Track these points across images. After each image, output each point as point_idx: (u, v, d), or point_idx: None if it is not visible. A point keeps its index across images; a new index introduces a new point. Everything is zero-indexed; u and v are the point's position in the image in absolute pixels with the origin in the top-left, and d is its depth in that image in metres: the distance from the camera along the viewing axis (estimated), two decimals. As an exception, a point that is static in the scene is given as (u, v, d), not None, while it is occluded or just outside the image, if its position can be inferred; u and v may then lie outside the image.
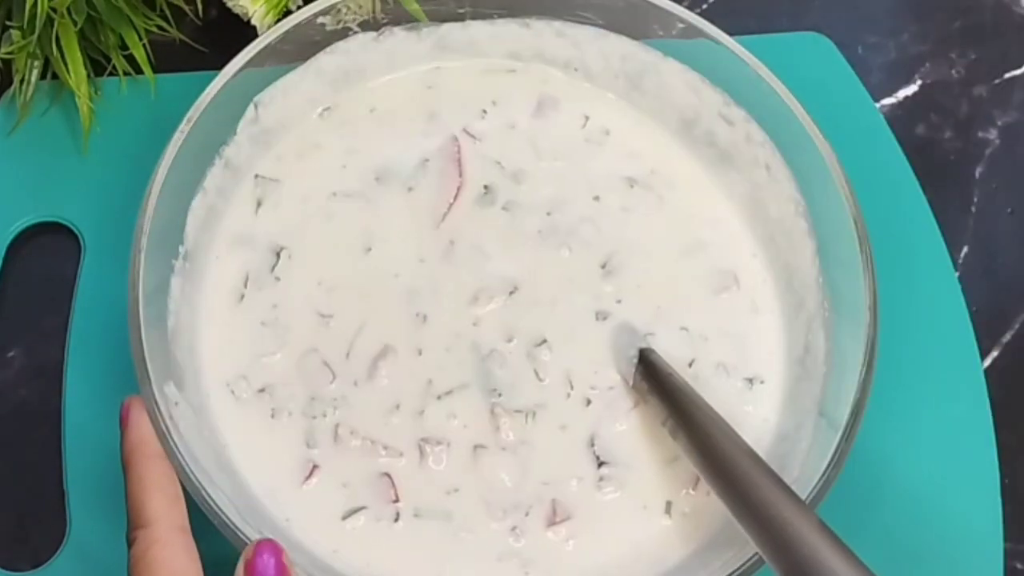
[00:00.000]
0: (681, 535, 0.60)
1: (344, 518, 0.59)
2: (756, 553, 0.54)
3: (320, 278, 0.65)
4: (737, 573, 0.55)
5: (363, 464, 0.61)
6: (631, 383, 0.63)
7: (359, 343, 0.63)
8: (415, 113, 0.70)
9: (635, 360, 0.63)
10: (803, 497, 0.55)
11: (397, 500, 0.60)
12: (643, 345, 0.63)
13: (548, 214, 0.67)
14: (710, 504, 0.60)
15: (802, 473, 0.58)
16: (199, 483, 0.55)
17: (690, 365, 0.64)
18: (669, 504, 0.61)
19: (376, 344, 0.63)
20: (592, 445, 0.62)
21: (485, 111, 0.71)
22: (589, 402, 0.63)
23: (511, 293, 0.65)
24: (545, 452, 0.62)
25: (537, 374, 0.63)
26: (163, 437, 0.55)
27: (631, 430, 0.62)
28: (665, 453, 0.62)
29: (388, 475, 0.60)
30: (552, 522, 0.60)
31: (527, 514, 0.60)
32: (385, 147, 0.69)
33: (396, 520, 0.60)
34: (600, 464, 0.61)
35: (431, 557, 0.59)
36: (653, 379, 0.61)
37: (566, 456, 0.62)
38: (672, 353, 0.63)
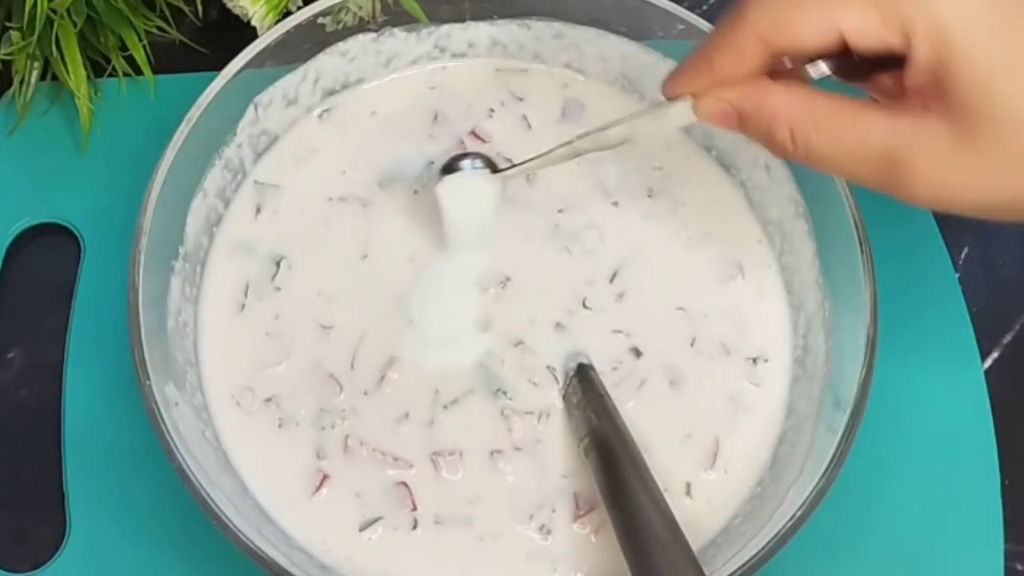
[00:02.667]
0: (704, 516, 0.61)
1: (362, 529, 0.59)
2: (776, 534, 0.55)
3: (319, 288, 0.65)
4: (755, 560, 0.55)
5: (376, 474, 0.61)
6: (562, 393, 0.63)
7: (361, 353, 0.63)
8: (419, 115, 0.70)
9: (572, 372, 0.63)
10: (804, 496, 0.56)
11: (415, 508, 0.60)
12: (584, 360, 0.63)
13: (560, 211, 0.68)
14: (727, 482, 0.61)
15: (802, 473, 0.58)
16: (199, 484, 0.55)
17: (692, 344, 0.64)
18: (689, 485, 0.61)
19: (378, 354, 0.63)
20: None
21: (493, 110, 0.71)
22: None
23: (503, 287, 0.65)
24: (559, 446, 0.62)
25: (536, 370, 0.63)
26: (162, 438, 0.55)
27: (641, 407, 0.63)
28: (677, 430, 0.62)
29: (405, 483, 0.60)
30: (577, 516, 0.60)
31: (554, 511, 0.60)
32: (388, 150, 0.69)
33: (415, 528, 0.60)
34: None
35: (453, 563, 0.59)
36: (583, 395, 0.61)
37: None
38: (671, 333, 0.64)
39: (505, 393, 0.62)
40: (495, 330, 0.64)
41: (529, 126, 0.70)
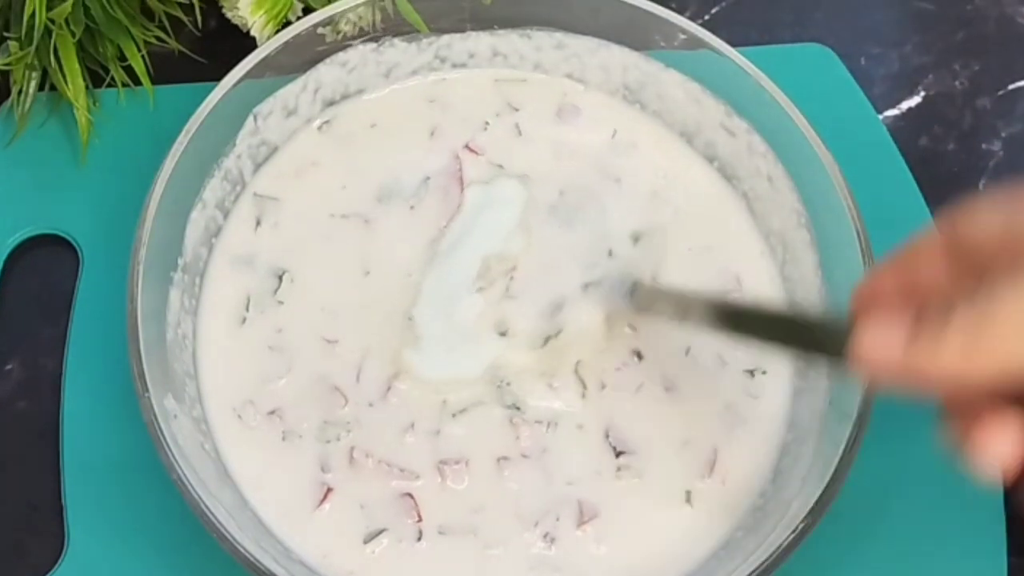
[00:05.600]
0: (705, 526, 0.61)
1: (366, 542, 0.59)
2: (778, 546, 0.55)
3: (323, 303, 0.65)
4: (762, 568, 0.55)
5: (381, 486, 0.60)
6: (631, 309, 0.63)
7: (367, 367, 0.63)
8: (416, 128, 0.70)
9: (630, 292, 0.63)
10: (806, 508, 0.55)
11: (420, 519, 0.60)
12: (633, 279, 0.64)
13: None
14: (727, 492, 0.61)
15: (805, 485, 0.58)
16: (198, 496, 0.55)
17: (686, 353, 0.64)
18: (688, 493, 0.61)
19: (384, 367, 0.63)
20: (607, 437, 0.62)
21: (488, 123, 0.70)
22: (604, 386, 0.63)
23: (506, 290, 0.65)
24: (565, 454, 0.62)
25: (544, 374, 0.63)
26: (161, 450, 0.55)
27: (638, 410, 0.63)
28: (675, 435, 0.62)
29: (410, 494, 0.60)
30: (580, 522, 0.60)
31: (558, 518, 0.60)
32: (386, 165, 0.69)
33: (419, 539, 0.59)
34: (618, 454, 0.61)
35: (457, 573, 0.59)
36: (653, 294, 0.62)
37: (585, 454, 0.62)
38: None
39: (513, 404, 0.62)
40: (504, 338, 0.64)
41: (520, 132, 0.70)
